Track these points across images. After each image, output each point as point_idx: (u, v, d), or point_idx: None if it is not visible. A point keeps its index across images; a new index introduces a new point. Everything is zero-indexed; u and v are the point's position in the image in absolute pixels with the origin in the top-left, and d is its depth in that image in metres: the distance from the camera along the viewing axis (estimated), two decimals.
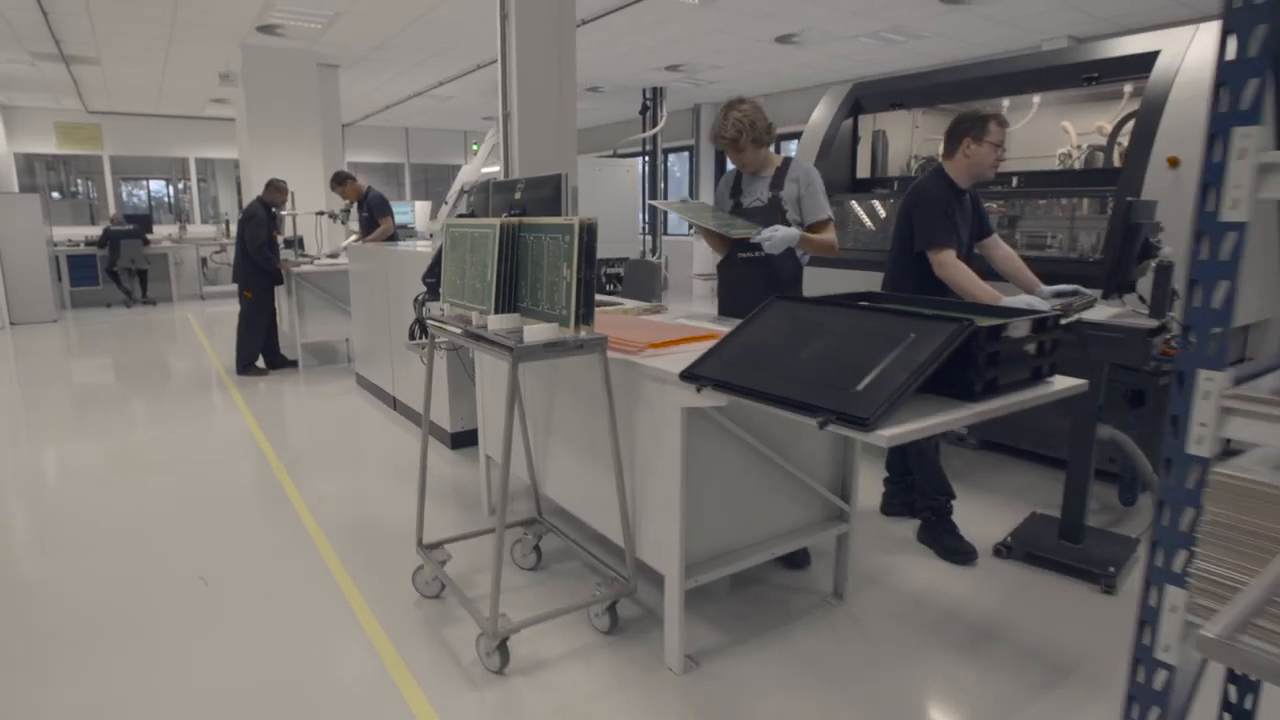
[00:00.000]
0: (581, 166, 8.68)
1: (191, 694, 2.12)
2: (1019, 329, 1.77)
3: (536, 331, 2.04)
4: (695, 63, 8.65)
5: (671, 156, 12.90)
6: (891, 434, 1.45)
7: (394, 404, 5.02)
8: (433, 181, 15.08)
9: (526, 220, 2.23)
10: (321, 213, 7.18)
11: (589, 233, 1.99)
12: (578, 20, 6.65)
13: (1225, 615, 0.98)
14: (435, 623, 2.47)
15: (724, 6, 6.45)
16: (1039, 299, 2.62)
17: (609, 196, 9.29)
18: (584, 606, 2.39)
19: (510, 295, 2.25)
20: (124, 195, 12.88)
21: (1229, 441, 1.24)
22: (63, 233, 11.29)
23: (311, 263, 6.50)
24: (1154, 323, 2.54)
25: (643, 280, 4.37)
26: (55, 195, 12.33)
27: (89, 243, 11.01)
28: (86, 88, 9.81)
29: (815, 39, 7.50)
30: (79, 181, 12.81)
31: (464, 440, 4.19)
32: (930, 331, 1.63)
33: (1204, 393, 1.23)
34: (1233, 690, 1.70)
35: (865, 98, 4.50)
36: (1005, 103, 4.47)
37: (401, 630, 2.42)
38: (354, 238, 6.63)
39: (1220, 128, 1.17)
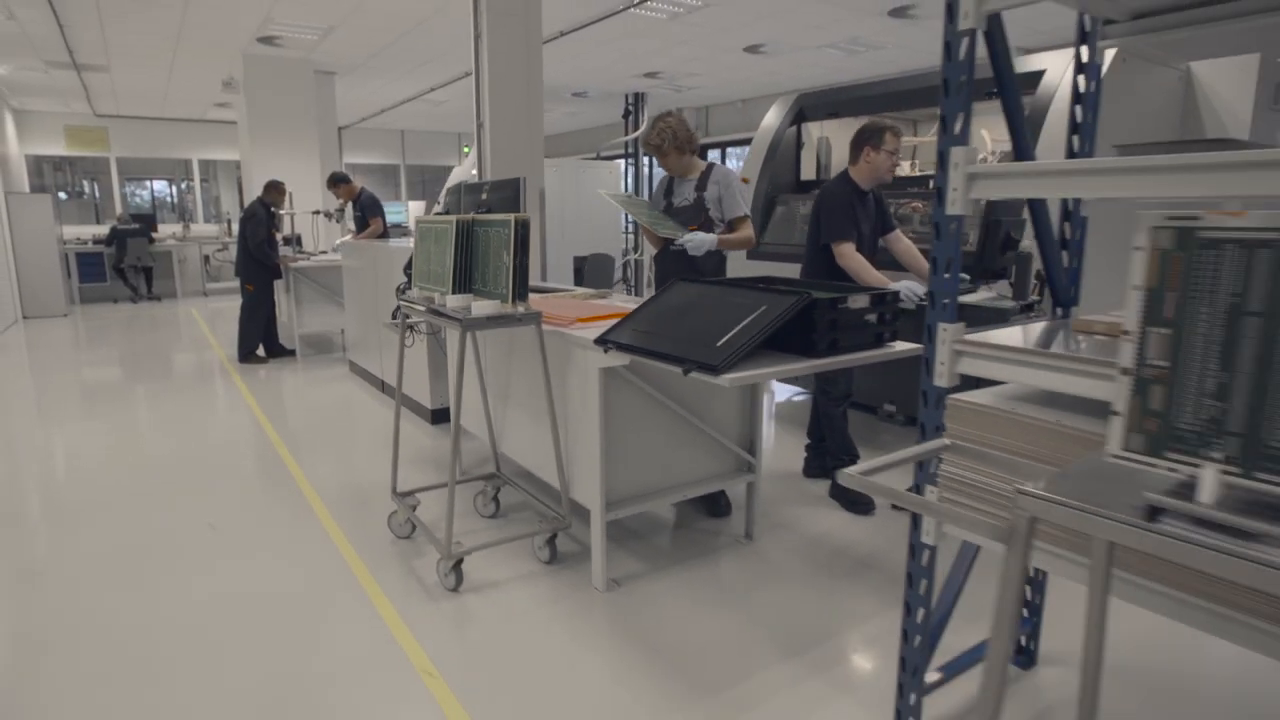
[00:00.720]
0: (566, 168, 9.14)
1: (200, 605, 2.58)
2: (858, 301, 2.23)
3: (482, 307, 2.51)
4: (672, 70, 9.11)
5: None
6: (732, 378, 1.91)
7: (382, 387, 5.48)
8: (429, 182, 15.53)
9: (478, 217, 2.69)
10: (318, 212, 7.64)
11: (523, 227, 2.45)
12: (556, 32, 7.14)
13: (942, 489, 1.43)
14: (406, 556, 2.93)
15: (689, 21, 6.91)
16: (918, 283, 3.08)
17: (593, 197, 9.74)
18: (527, 536, 2.86)
19: (465, 279, 2.71)
20: (128, 195, 13.34)
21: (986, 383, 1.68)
22: (70, 231, 11.75)
23: (308, 259, 6.96)
24: (1015, 304, 3.00)
25: (599, 272, 4.83)
26: (61, 195, 12.79)
27: (97, 241, 11.48)
28: (95, 92, 10.28)
29: (781, 50, 7.96)
30: (84, 182, 13.29)
31: (442, 416, 4.65)
32: (779, 303, 2.09)
33: (941, 340, 1.69)
34: (1029, 591, 2.17)
35: (807, 107, 4.96)
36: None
37: (377, 561, 2.88)
38: (349, 235, 7.09)
39: (943, 148, 1.64)
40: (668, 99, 11.26)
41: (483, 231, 2.64)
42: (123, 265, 11.36)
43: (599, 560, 2.63)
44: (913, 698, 1.84)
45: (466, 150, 10.61)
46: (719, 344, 2.02)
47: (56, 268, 10.13)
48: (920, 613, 1.78)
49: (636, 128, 10.81)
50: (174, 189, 13.96)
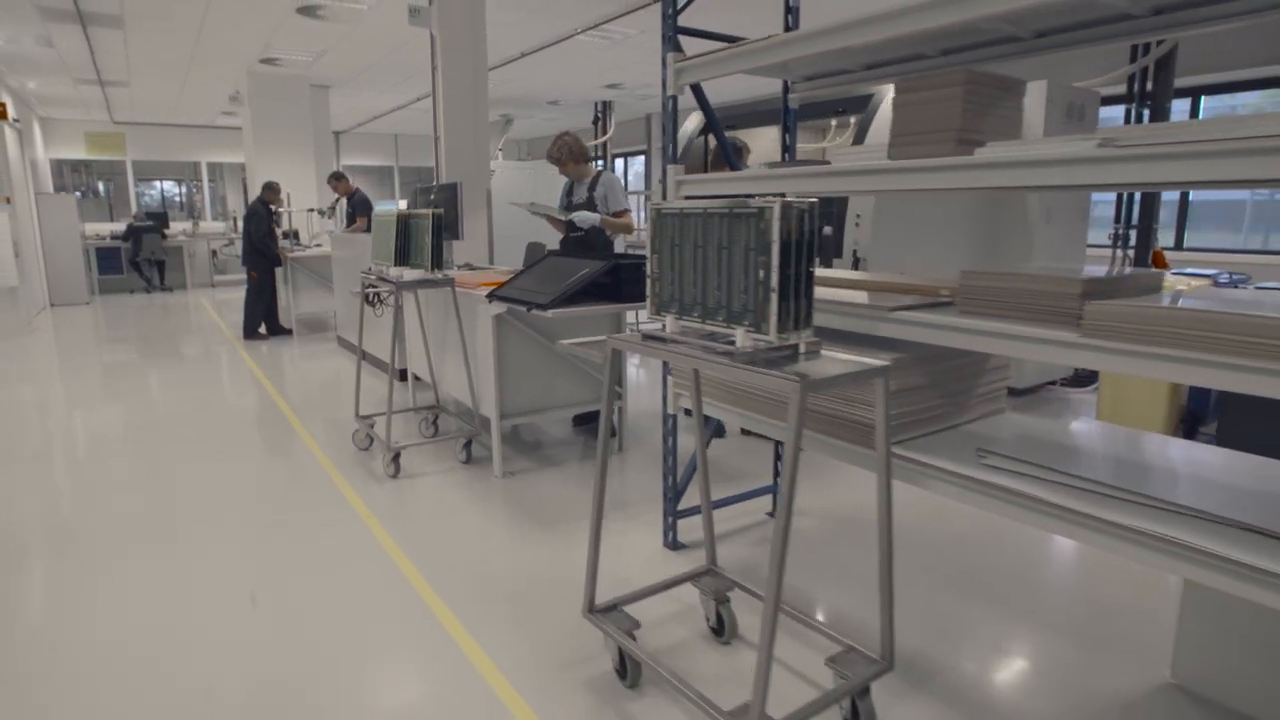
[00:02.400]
0: (539, 169, 10.18)
1: (215, 489, 3.66)
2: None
3: (411, 273, 3.58)
4: (631, 82, 10.16)
5: (632, 160, 14.41)
6: (556, 313, 2.98)
7: (364, 356, 6.56)
8: (422, 182, 16.61)
9: (413, 211, 3.76)
10: (312, 209, 8.73)
11: (438, 219, 3.52)
12: (518, 53, 8.20)
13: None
14: (363, 460, 4.00)
15: (636, 44, 7.96)
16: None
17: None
18: (449, 439, 3.93)
19: (405, 256, 3.78)
20: (140, 195, 14.45)
21: None
22: (88, 228, 12.86)
23: (304, 250, 8.05)
24: None
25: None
26: (78, 194, 13.90)
27: (115, 237, 12.60)
28: (114, 103, 11.39)
29: None
30: (99, 182, 14.40)
31: (405, 375, 5.73)
32: (597, 265, 3.16)
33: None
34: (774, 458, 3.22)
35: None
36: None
37: (342, 463, 3.95)
38: (331, 229, 8.18)
39: (664, 165, 2.69)
40: (633, 106, 12.31)
41: (414, 222, 3.71)
42: (138, 259, 12.47)
43: (497, 455, 3.70)
44: (670, 520, 2.90)
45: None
46: (556, 293, 3.08)
47: (79, 261, 11.24)
48: (670, 460, 2.85)
49: (605, 132, 11.88)
50: (183, 189, 15.07)
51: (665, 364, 2.76)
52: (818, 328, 2.17)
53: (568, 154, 4.29)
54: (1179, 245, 7.02)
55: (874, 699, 1.93)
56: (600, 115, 11.88)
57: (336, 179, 7.98)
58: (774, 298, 1.62)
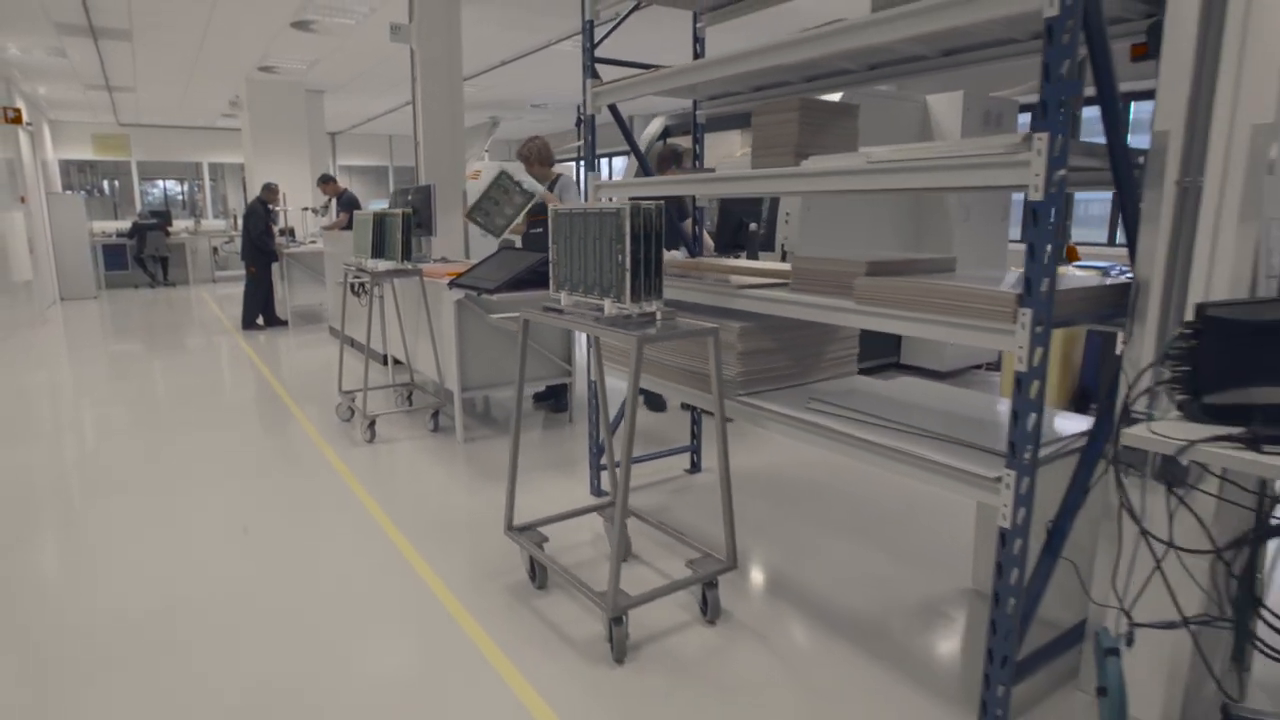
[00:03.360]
0: (519, 171, 10.71)
1: (211, 458, 4.21)
2: None
3: (384, 264, 4.12)
4: None
5: (616, 160, 14.94)
6: (500, 298, 3.51)
7: (351, 343, 7.10)
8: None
9: (387, 211, 4.31)
10: (306, 208, 9.28)
11: (407, 217, 4.06)
12: (499, 61, 8.73)
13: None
14: (345, 429, 4.54)
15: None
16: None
17: None
18: (419, 411, 4.47)
19: (380, 249, 4.32)
20: (143, 193, 15.01)
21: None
22: (96, 226, 13.42)
23: (299, 246, 8.60)
24: None
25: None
26: (84, 194, 14.46)
27: (120, 234, 13.15)
28: (120, 106, 11.94)
29: None
30: (104, 182, 14.96)
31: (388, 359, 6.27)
32: (541, 256, 3.69)
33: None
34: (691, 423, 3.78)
35: (671, 125, 6.55)
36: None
37: (326, 431, 4.50)
38: (324, 224, 8.74)
39: (585, 173, 3.23)
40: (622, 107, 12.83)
41: (388, 220, 4.25)
42: (142, 255, 13.02)
43: (459, 421, 4.25)
44: (594, 471, 3.44)
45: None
46: (503, 279, 3.63)
47: (87, 257, 11.80)
48: (594, 419, 3.39)
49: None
50: (186, 188, 15.62)
51: (589, 336, 3.30)
52: (694, 303, 2.73)
53: (535, 156, 4.82)
54: (1111, 241, 7.57)
55: (721, 593, 2.48)
56: (583, 118, 12.40)
57: (325, 181, 8.52)
58: (627, 276, 2.16)
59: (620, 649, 2.17)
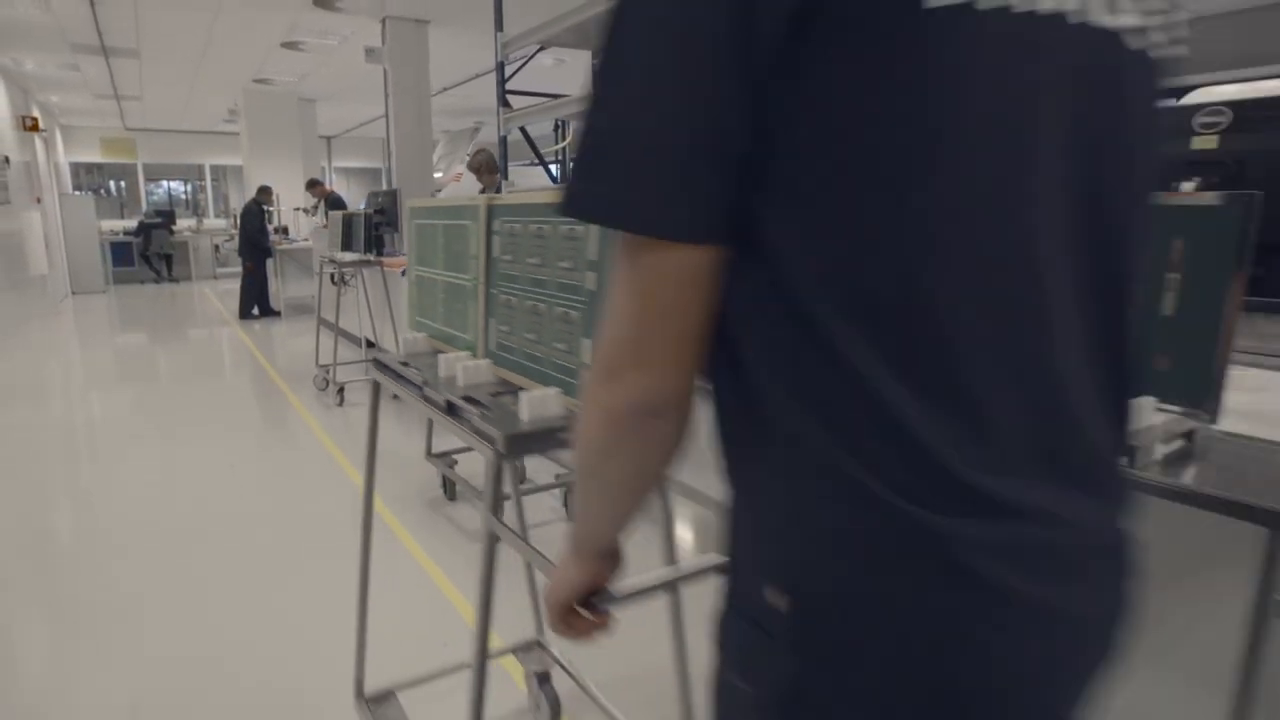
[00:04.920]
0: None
1: (204, 418, 5.04)
2: None
3: (350, 256, 4.95)
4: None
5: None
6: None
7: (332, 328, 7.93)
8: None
9: (354, 211, 5.13)
10: (299, 208, 10.12)
11: (368, 217, 4.89)
12: (473, 74, 9.54)
13: None
14: (321, 397, 5.37)
15: (580, 63, 9.29)
16: None
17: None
18: None
19: (349, 244, 5.15)
20: (148, 193, 15.88)
21: None
22: (104, 225, 14.27)
23: (292, 243, 9.43)
24: None
25: None
26: (92, 194, 15.32)
27: (127, 233, 14.01)
28: (127, 112, 12.79)
29: None
30: (111, 183, 15.82)
31: (370, 344, 7.09)
32: None
33: None
34: None
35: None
36: None
37: (305, 398, 5.32)
38: (319, 224, 9.57)
39: (499, 180, 4.05)
40: None
41: (355, 219, 5.08)
42: (148, 253, 13.87)
43: None
44: None
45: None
46: None
47: (96, 254, 12.65)
48: None
49: (564, 138, 13.23)
50: (189, 189, 16.49)
51: None
52: None
53: (484, 166, 5.64)
54: None
55: None
56: (560, 123, 13.22)
57: (312, 185, 9.35)
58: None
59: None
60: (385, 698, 1.89)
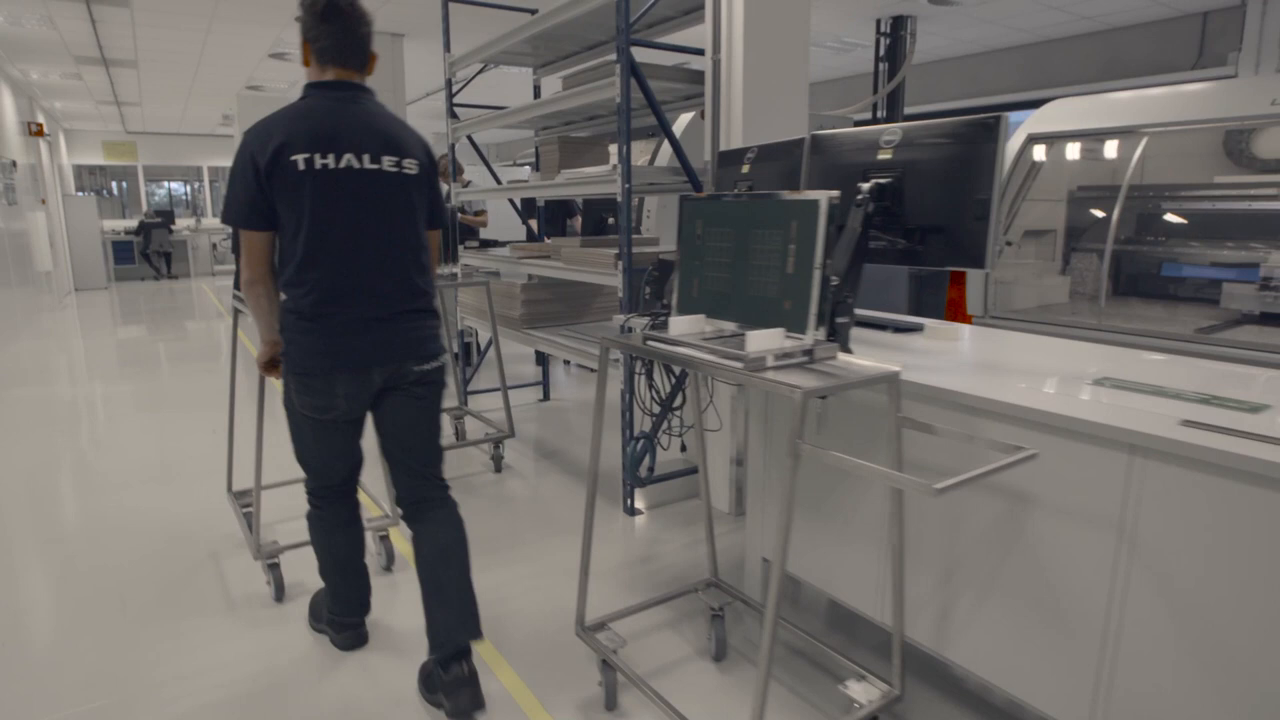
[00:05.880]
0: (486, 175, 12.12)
1: (195, 395, 5.61)
2: None
3: None
4: None
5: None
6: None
7: None
8: None
9: None
10: None
11: None
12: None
13: None
14: None
15: None
16: None
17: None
18: None
19: None
20: (149, 194, 16.46)
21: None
22: (106, 224, 14.86)
23: None
24: None
25: None
26: (94, 194, 15.90)
27: (128, 232, 14.60)
28: (128, 117, 13.37)
29: None
30: (113, 184, 16.42)
31: None
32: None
33: None
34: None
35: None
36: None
37: None
38: None
39: (450, 183, 4.62)
40: None
41: None
42: (148, 251, 14.47)
43: None
44: (462, 395, 4.83)
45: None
46: None
47: (98, 252, 13.24)
48: (461, 357, 4.78)
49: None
50: (188, 190, 17.08)
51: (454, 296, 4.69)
52: (489, 270, 4.10)
53: (446, 170, 6.21)
54: None
55: (505, 457, 3.88)
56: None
57: None
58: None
59: None
60: None
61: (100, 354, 7.11)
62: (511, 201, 5.14)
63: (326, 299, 1.86)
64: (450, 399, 5.01)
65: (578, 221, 6.82)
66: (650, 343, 1.73)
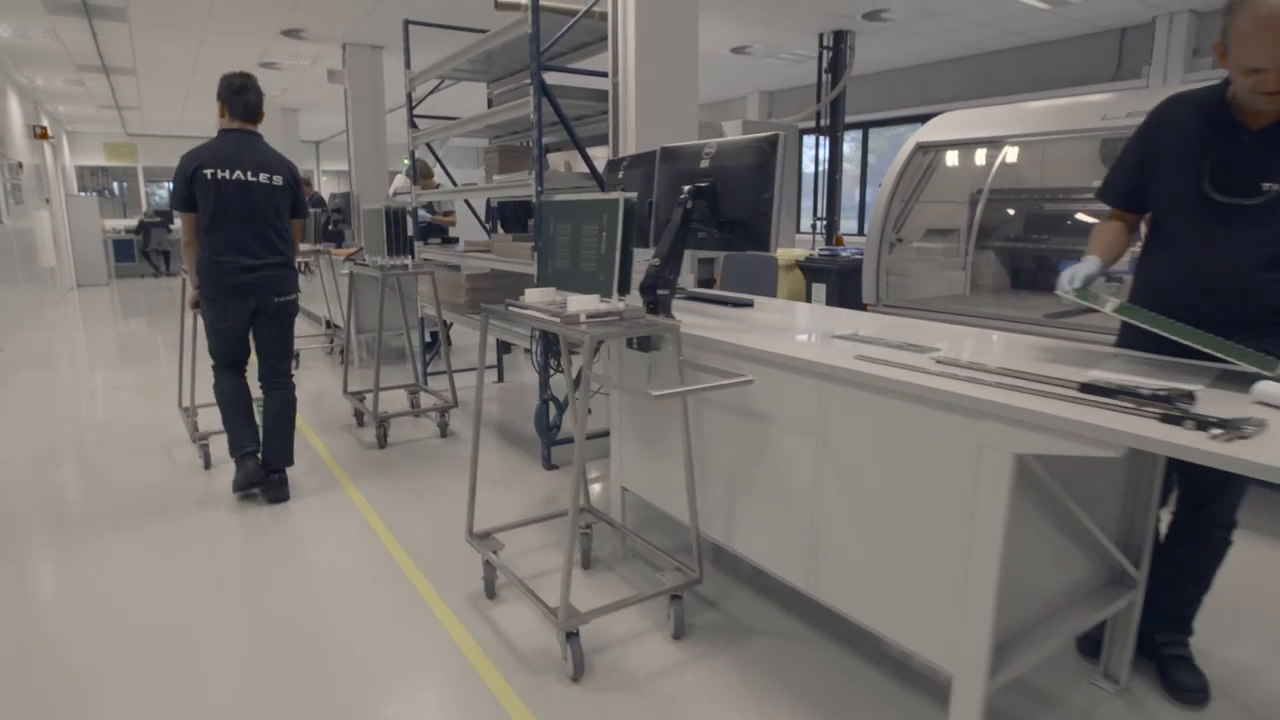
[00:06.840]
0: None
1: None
2: None
3: (306, 246, 6.09)
4: None
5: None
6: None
7: (326, 324, 9.07)
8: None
9: (314, 209, 6.26)
10: None
11: (317, 216, 6.01)
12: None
13: None
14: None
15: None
16: None
17: None
18: (335, 349, 6.44)
19: (308, 238, 6.28)
20: (149, 194, 17.03)
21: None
22: (107, 223, 15.42)
23: None
24: None
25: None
26: (96, 194, 16.47)
27: (128, 231, 15.17)
28: (128, 120, 13.95)
29: None
30: (115, 185, 16.99)
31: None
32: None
33: None
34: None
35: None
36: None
37: None
38: None
39: (413, 184, 5.17)
40: None
41: (312, 216, 6.21)
42: (148, 249, 15.02)
43: (351, 350, 6.19)
44: (421, 377, 5.38)
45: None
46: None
47: (99, 250, 13.81)
48: (420, 345, 5.34)
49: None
50: None
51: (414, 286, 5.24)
52: (450, 264, 4.65)
53: (423, 172, 6.76)
54: (860, 231, 9.54)
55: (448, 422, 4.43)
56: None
57: None
58: (388, 243, 4.10)
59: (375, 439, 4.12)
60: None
61: (101, 344, 7.67)
62: (467, 202, 5.69)
63: (220, 253, 3.19)
64: (408, 376, 5.57)
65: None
66: (510, 308, 2.28)
